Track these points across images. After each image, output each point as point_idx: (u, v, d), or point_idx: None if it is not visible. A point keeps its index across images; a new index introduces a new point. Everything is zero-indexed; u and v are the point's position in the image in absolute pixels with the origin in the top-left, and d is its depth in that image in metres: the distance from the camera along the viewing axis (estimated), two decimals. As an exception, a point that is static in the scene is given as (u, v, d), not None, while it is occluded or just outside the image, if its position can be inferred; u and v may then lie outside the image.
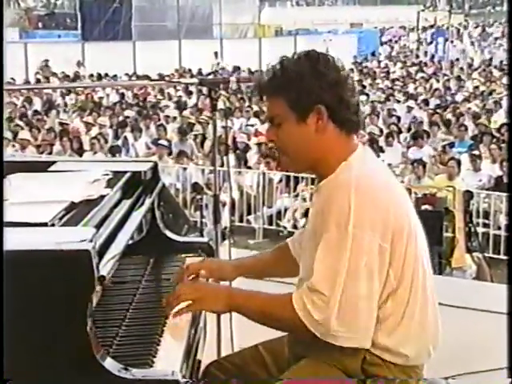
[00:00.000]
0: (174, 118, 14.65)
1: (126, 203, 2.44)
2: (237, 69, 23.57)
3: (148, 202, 2.61)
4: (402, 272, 2.00)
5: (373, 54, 31.65)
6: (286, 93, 2.07)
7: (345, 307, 1.93)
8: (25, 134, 12.60)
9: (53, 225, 2.04)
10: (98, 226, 2.08)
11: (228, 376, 2.30)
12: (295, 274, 2.24)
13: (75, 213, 2.19)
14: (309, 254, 2.06)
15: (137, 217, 2.42)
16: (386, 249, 1.96)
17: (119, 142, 12.78)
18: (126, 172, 2.65)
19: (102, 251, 1.94)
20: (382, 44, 34.98)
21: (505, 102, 15.57)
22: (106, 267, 1.91)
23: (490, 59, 28.02)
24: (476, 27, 40.56)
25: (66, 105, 17.38)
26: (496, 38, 36.22)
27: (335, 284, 1.93)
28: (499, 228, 9.17)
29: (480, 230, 8.92)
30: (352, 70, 24.81)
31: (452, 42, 31.15)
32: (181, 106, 16.25)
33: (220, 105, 3.02)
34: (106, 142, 12.59)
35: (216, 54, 25.58)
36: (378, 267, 1.95)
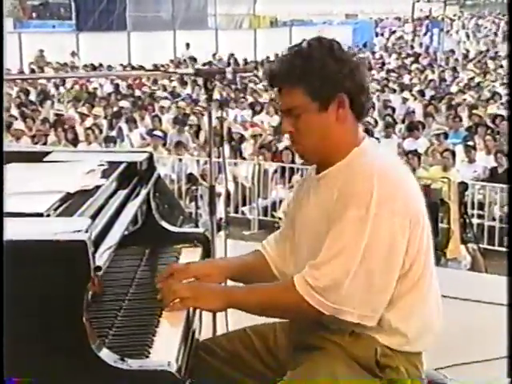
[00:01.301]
0: (169, 108, 14.62)
1: (122, 194, 2.43)
2: (231, 56, 23.47)
3: (144, 192, 2.60)
4: (415, 257, 2.00)
5: (364, 45, 31.62)
6: (307, 82, 2.01)
7: (357, 284, 1.93)
8: (19, 124, 12.56)
9: (48, 215, 2.03)
10: (94, 217, 2.07)
11: (216, 359, 2.28)
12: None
13: (71, 203, 2.18)
14: (312, 243, 2.04)
15: (132, 207, 2.41)
16: (404, 235, 1.96)
17: (114, 133, 12.76)
18: (121, 162, 2.64)
19: (98, 242, 1.93)
20: (377, 35, 34.93)
21: (502, 93, 15.59)
22: (101, 258, 1.90)
23: (487, 50, 27.99)
24: (471, 18, 40.52)
25: (60, 95, 17.34)
26: (491, 30, 36.22)
27: (349, 260, 1.93)
28: (494, 219, 9.20)
29: (475, 221, 8.94)
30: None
31: (447, 32, 31.10)
32: (175, 97, 16.23)
33: (215, 95, 3.01)
34: (101, 132, 12.57)
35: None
36: (396, 250, 1.95)
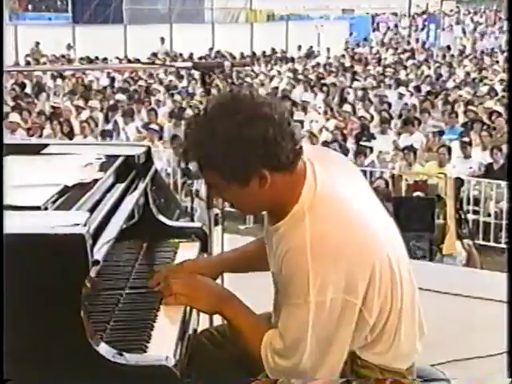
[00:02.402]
0: (166, 101, 14.61)
1: (120, 187, 2.42)
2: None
3: (141, 186, 2.59)
4: (380, 308, 1.92)
5: (365, 40, 31.64)
6: (219, 169, 1.87)
7: (311, 363, 1.91)
8: (14, 116, 12.52)
9: (46, 208, 2.02)
10: (92, 210, 2.06)
11: (216, 345, 2.28)
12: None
13: (68, 196, 2.16)
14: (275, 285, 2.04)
15: (130, 201, 2.40)
16: (355, 303, 1.86)
17: (109, 126, 12.74)
18: (119, 156, 2.63)
19: (96, 235, 1.92)
20: (373, 30, 34.93)
21: (499, 89, 15.62)
22: (100, 252, 1.89)
23: (482, 46, 28.02)
24: (468, 14, 40.53)
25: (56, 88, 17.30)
26: (487, 26, 36.22)
27: (298, 351, 1.90)
28: (489, 215, 9.22)
29: (470, 217, 8.96)
30: (344, 56, 24.83)
31: (443, 28, 31.10)
32: (170, 90, 16.21)
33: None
34: (97, 125, 12.55)
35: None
36: (346, 322, 1.88)
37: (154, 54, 22.89)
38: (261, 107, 1.87)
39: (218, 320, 2.57)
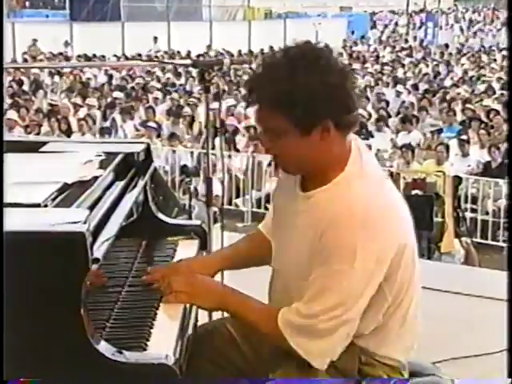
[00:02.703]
0: (164, 99, 14.60)
1: (119, 185, 2.41)
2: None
3: (141, 183, 2.58)
4: (398, 291, 1.96)
5: (362, 37, 31.63)
6: (290, 110, 1.85)
7: (337, 337, 1.92)
8: (12, 114, 12.51)
9: (46, 206, 2.01)
10: (92, 208, 2.05)
11: (210, 344, 2.26)
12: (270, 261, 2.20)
13: (68, 194, 2.15)
14: (291, 268, 2.02)
15: (130, 199, 2.40)
16: (386, 278, 1.91)
17: (107, 124, 12.73)
18: (118, 153, 2.62)
19: (96, 233, 1.91)
20: (371, 28, 34.93)
21: (496, 87, 15.63)
22: (99, 250, 1.89)
23: (480, 44, 28.04)
24: (466, 11, 40.55)
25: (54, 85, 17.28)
26: (484, 23, 36.26)
27: (333, 314, 1.89)
28: (487, 213, 9.22)
29: (468, 215, 8.96)
30: (341, 53, 24.81)
31: (441, 26, 31.13)
32: (168, 89, 16.20)
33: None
34: (94, 123, 12.54)
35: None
36: (371, 292, 1.91)
37: (148, 55, 22.74)
38: (338, 61, 1.93)
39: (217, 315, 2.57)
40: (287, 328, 1.95)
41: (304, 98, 1.84)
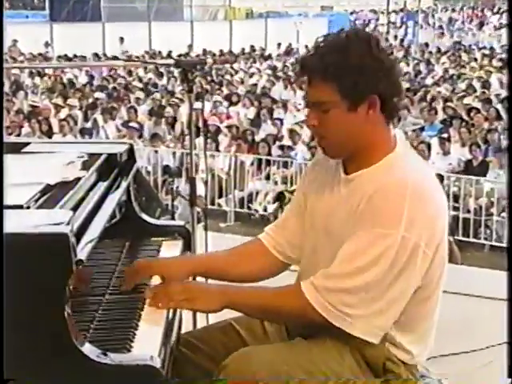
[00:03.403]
0: (145, 100, 14.56)
1: (102, 185, 2.40)
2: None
3: (124, 184, 2.56)
4: (432, 276, 1.97)
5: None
6: (340, 80, 1.92)
7: (370, 305, 1.90)
8: (-8, 115, 12.41)
9: (28, 207, 1.99)
10: (75, 209, 2.03)
11: (194, 351, 2.24)
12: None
13: (51, 195, 2.14)
14: (332, 245, 1.99)
15: (113, 199, 2.38)
16: (429, 256, 1.92)
17: (89, 125, 12.68)
18: (101, 154, 2.61)
19: (79, 234, 1.90)
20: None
21: (477, 86, 15.72)
22: (83, 251, 1.87)
23: (459, 43, 28.17)
24: (445, 11, 40.75)
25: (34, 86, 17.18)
26: (463, 22, 36.45)
27: (367, 280, 1.88)
28: (468, 211, 9.27)
29: (450, 213, 9.00)
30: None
31: (421, 25, 31.25)
32: (150, 89, 16.15)
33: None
34: (76, 124, 12.48)
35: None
36: (417, 272, 1.91)
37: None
38: (391, 53, 2.04)
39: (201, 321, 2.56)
40: (316, 294, 1.92)
41: (355, 70, 1.91)
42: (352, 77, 1.91)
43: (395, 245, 1.86)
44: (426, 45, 26.63)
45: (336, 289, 1.91)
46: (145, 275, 2.24)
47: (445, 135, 10.98)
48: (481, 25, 34.65)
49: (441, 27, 34.70)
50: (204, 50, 23.84)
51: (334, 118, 1.96)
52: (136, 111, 13.15)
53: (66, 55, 20.89)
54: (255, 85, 16.88)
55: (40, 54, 22.22)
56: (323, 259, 2.01)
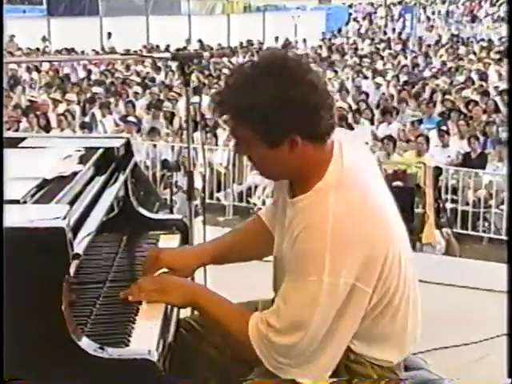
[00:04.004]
0: (143, 94, 14.54)
1: (99, 180, 2.40)
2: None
3: (121, 178, 2.56)
4: (387, 297, 1.90)
5: (339, 31, 31.67)
6: (252, 124, 1.84)
7: (310, 349, 1.86)
8: (-10, 110, 12.40)
9: (25, 202, 2.00)
10: (72, 203, 2.03)
11: (196, 336, 2.25)
12: (269, 252, 2.15)
13: (48, 190, 2.14)
14: (278, 263, 2.02)
15: (110, 194, 2.38)
16: (367, 292, 1.84)
17: (87, 119, 12.66)
18: (98, 148, 2.61)
19: (76, 229, 1.90)
20: (350, 20, 34.96)
21: (475, 78, 15.72)
22: (80, 245, 1.87)
23: (457, 35, 28.13)
24: (443, 3, 40.68)
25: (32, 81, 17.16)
26: (462, 15, 36.40)
27: (300, 330, 1.85)
28: (467, 204, 9.27)
29: (448, 205, 9.01)
30: (320, 46, 24.85)
31: (419, 18, 31.20)
32: (148, 84, 16.13)
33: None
34: (74, 118, 12.47)
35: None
36: (355, 310, 1.86)
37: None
38: (307, 73, 1.85)
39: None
40: (258, 340, 1.91)
41: (265, 114, 1.81)
42: (262, 121, 1.82)
43: (324, 291, 1.80)
44: (424, 38, 26.60)
45: (275, 342, 1.88)
46: (154, 268, 2.23)
47: (443, 128, 10.98)
48: (474, 17, 34.64)
49: (439, 20, 34.66)
50: (201, 43, 23.84)
51: (257, 154, 1.91)
52: (134, 106, 13.13)
53: (65, 48, 20.85)
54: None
55: (38, 49, 22.18)
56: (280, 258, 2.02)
